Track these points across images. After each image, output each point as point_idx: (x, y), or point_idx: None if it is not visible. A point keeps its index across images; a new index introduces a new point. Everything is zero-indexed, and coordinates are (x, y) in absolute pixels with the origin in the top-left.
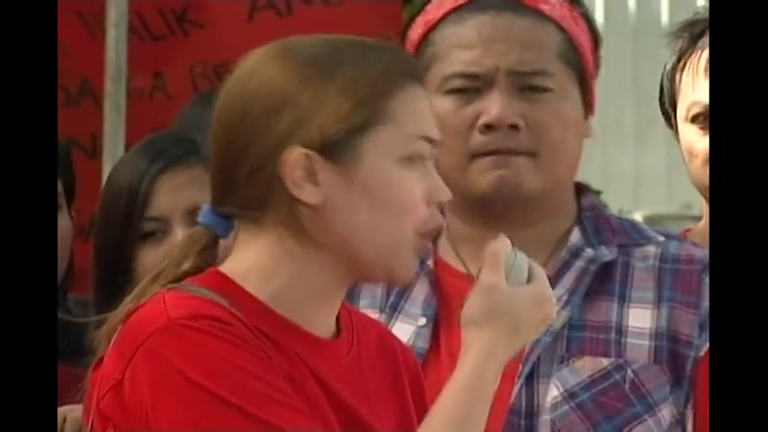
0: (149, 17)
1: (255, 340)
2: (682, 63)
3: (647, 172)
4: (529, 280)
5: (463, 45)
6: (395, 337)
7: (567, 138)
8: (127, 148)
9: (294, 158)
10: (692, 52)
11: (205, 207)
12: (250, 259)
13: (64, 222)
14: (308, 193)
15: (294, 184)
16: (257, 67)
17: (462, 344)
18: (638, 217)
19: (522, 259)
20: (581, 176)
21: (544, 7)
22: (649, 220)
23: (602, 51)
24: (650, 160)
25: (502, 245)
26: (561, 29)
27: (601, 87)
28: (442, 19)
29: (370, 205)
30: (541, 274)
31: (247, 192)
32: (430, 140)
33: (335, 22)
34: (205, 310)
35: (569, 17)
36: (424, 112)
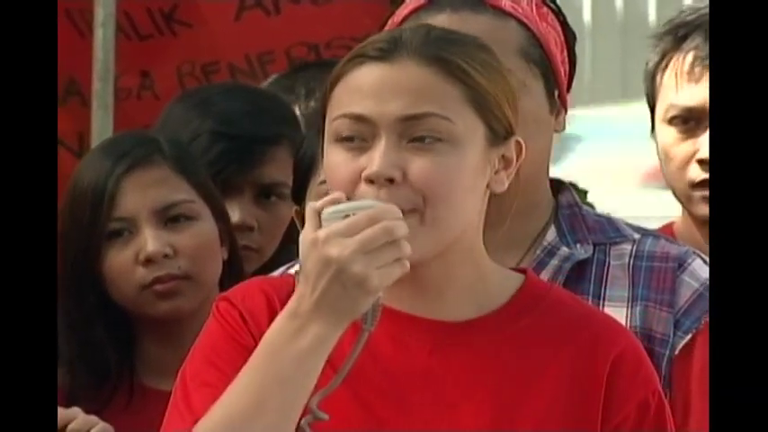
0: (137, 17)
1: (250, 320)
2: (664, 63)
3: None
4: None
5: None
6: (637, 355)
7: (528, 133)
8: None
9: None
10: (677, 53)
11: None
12: None
13: None
14: None
15: None
16: None
17: None
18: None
19: (341, 210)
20: (568, 173)
21: (505, 4)
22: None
23: (590, 50)
24: None
25: (322, 201)
26: (523, 25)
27: (588, 85)
28: (405, 20)
29: None
30: (354, 219)
31: None
32: None
33: (323, 22)
34: (234, 291)
35: (535, 14)
36: None
